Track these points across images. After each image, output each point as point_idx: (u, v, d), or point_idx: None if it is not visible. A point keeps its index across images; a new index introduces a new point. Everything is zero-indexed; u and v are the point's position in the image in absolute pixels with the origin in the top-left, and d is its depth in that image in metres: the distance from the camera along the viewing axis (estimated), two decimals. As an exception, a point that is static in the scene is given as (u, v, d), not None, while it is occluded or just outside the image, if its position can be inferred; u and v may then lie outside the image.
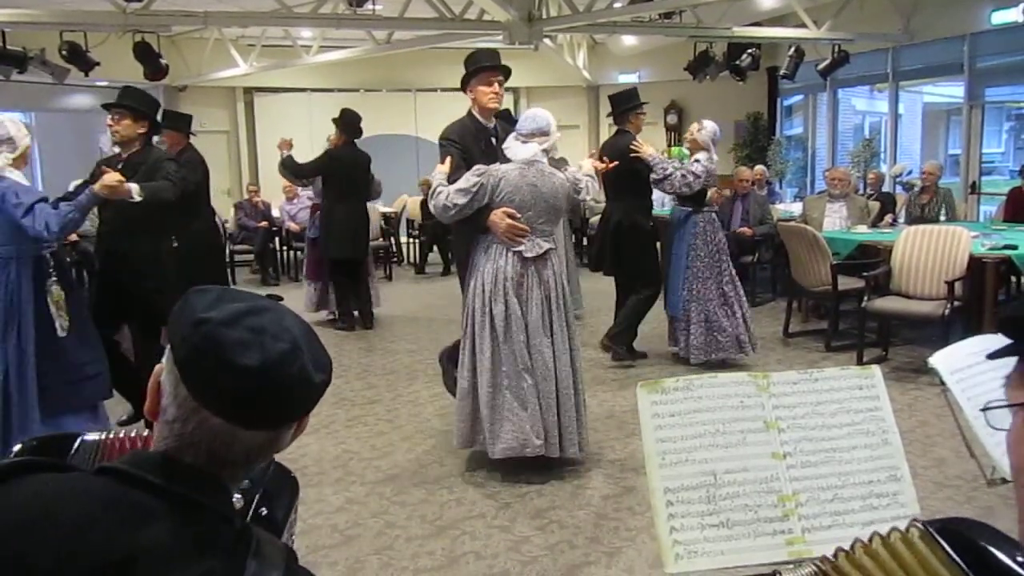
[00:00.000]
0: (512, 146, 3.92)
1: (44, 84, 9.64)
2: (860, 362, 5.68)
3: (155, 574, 0.92)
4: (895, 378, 5.40)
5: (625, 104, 5.87)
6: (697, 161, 5.61)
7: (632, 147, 5.58)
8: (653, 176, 5.58)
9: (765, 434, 1.59)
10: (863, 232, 7.06)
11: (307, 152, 7.63)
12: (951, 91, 11.52)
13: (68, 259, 4.54)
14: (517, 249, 3.85)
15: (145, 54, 8.70)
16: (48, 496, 0.96)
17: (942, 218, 7.66)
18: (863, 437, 1.62)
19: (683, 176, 5.51)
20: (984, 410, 0.83)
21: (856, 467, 1.59)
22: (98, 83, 10.73)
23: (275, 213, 10.73)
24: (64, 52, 8.48)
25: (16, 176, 3.94)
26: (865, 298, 5.87)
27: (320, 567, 3.21)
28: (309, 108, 12.69)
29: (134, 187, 4.08)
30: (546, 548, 3.32)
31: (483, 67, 4.21)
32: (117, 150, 5.31)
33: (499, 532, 3.47)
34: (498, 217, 3.82)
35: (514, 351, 3.83)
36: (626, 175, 5.57)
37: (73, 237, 4.91)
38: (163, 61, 9.00)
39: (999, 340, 0.99)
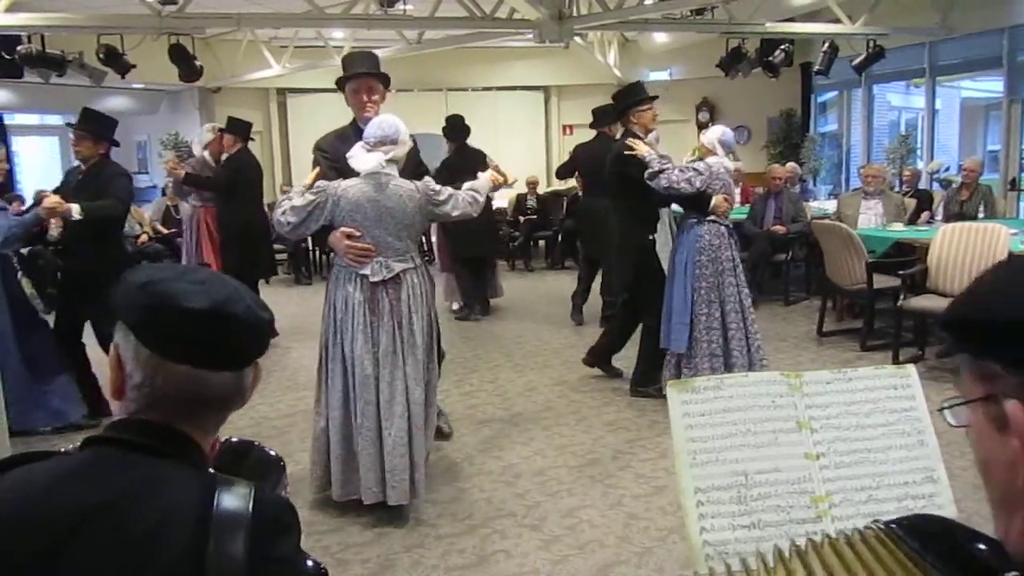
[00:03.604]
0: (356, 155, 3.57)
1: (82, 87, 9.81)
2: (896, 362, 5.59)
3: (125, 513, 1.01)
4: (931, 378, 5.31)
5: (626, 100, 5.33)
6: (700, 160, 4.98)
7: (628, 144, 5.01)
8: (648, 171, 4.81)
9: (797, 434, 1.57)
10: (899, 229, 6.95)
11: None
12: (990, 86, 11.30)
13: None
14: (363, 272, 3.53)
15: (180, 56, 8.81)
16: (18, 484, 1.05)
17: (981, 215, 7.52)
18: (898, 437, 1.59)
19: (681, 171, 4.78)
20: (940, 410, 0.83)
21: (891, 468, 1.56)
22: (135, 85, 10.90)
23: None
24: (101, 55, 8.61)
25: None
26: (901, 297, 5.78)
27: (351, 564, 3.23)
28: (342, 108, 12.68)
29: (74, 207, 4.53)
30: (576, 547, 3.32)
31: (354, 74, 3.92)
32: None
33: (529, 531, 3.47)
34: (336, 239, 3.53)
35: (360, 386, 3.50)
36: (620, 180, 5.15)
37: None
38: (197, 63, 9.11)
39: None
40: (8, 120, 12.41)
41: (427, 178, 3.76)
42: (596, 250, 7.19)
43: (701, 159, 5.01)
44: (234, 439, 1.37)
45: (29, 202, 9.34)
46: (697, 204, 4.91)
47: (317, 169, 3.78)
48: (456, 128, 7.68)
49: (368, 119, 3.75)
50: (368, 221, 3.52)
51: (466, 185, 3.89)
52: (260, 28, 10.66)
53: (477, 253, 7.75)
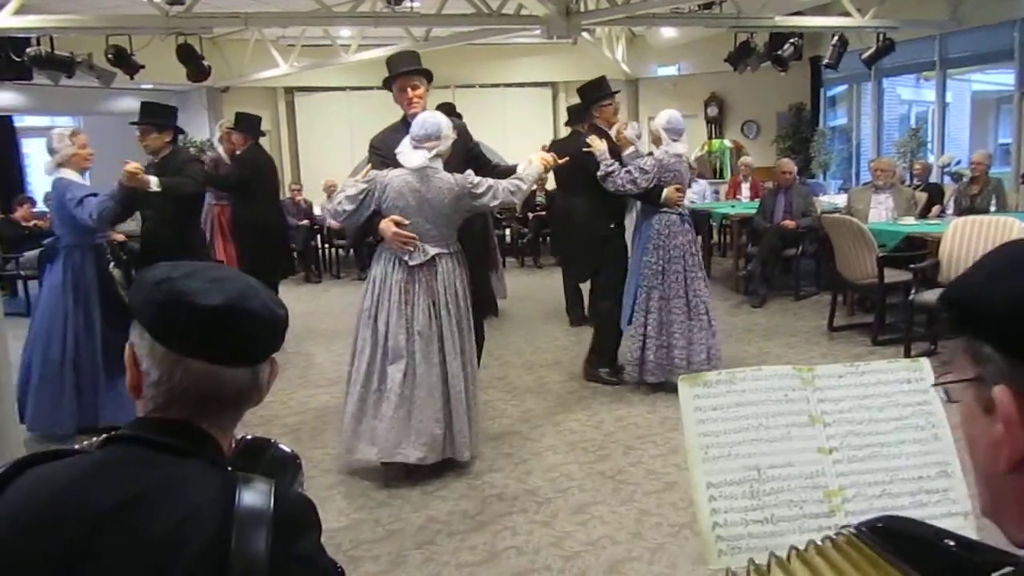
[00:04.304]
0: (404, 151, 3.86)
1: (91, 88, 9.85)
2: (908, 356, 5.56)
3: (146, 513, 1.01)
4: (945, 372, 5.27)
5: (588, 96, 5.50)
6: (650, 155, 5.17)
7: (588, 141, 5.16)
8: (599, 173, 5.06)
9: (810, 428, 1.56)
10: (910, 223, 6.92)
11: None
12: (1001, 79, 11.23)
13: (122, 255, 5.22)
14: (404, 257, 3.86)
15: (188, 56, 8.84)
16: (36, 485, 1.05)
17: (992, 209, 7.47)
18: (912, 432, 1.57)
19: (627, 173, 4.99)
20: (935, 385, 0.85)
21: (905, 462, 1.55)
22: (143, 86, 10.93)
23: (316, 211, 10.83)
24: (110, 56, 8.66)
25: (69, 175, 4.63)
26: (913, 291, 5.75)
27: (363, 561, 3.24)
28: (349, 107, 12.79)
29: (152, 179, 4.62)
30: (588, 544, 3.31)
31: (399, 73, 4.16)
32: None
33: (540, 527, 3.47)
34: (385, 225, 3.83)
35: (393, 354, 3.82)
36: (579, 174, 5.19)
37: (121, 237, 5.42)
38: (205, 63, 9.14)
39: None
40: (18, 122, 12.47)
41: (468, 171, 3.97)
42: (564, 248, 7.12)
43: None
44: (250, 437, 1.36)
45: (40, 205, 9.40)
46: (650, 197, 5.12)
47: (369, 165, 4.04)
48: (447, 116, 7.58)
49: (415, 114, 4.01)
50: (410, 209, 3.83)
51: (520, 167, 4.16)
52: (267, 27, 10.69)
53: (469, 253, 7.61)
